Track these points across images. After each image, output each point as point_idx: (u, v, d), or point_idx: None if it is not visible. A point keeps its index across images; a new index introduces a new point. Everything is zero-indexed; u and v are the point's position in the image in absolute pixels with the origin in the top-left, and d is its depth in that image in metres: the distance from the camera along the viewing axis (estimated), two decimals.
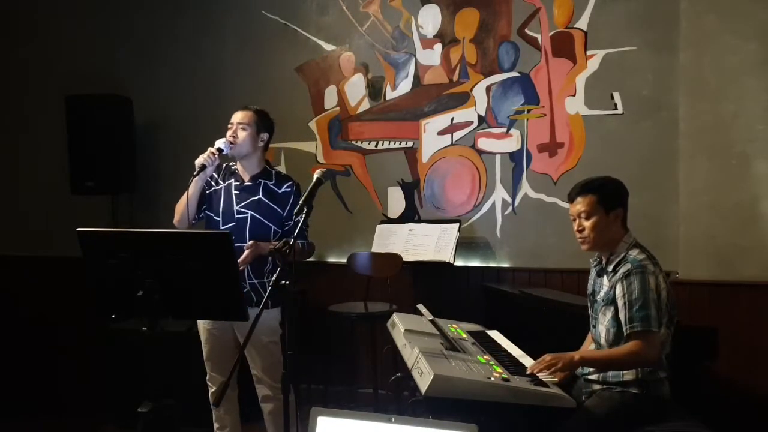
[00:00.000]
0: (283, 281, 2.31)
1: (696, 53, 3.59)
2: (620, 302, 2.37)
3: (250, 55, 4.55)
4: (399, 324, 2.67)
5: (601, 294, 2.52)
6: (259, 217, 2.97)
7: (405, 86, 4.29)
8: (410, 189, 4.31)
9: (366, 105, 4.37)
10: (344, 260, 4.03)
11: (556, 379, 2.25)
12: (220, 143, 2.96)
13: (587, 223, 2.47)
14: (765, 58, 3.47)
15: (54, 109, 4.56)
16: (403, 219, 4.25)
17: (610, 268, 2.48)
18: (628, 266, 2.38)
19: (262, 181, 3.03)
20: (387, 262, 3.87)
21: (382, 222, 4.23)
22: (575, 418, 2.24)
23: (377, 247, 4.06)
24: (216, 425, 3.12)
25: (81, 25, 4.84)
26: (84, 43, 4.82)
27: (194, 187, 2.96)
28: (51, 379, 4.65)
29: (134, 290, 2.20)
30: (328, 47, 4.42)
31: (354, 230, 4.36)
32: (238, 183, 3.04)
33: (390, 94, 4.32)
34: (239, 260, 2.83)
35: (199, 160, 2.90)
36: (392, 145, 4.34)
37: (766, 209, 3.49)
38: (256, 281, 2.98)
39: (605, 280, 2.51)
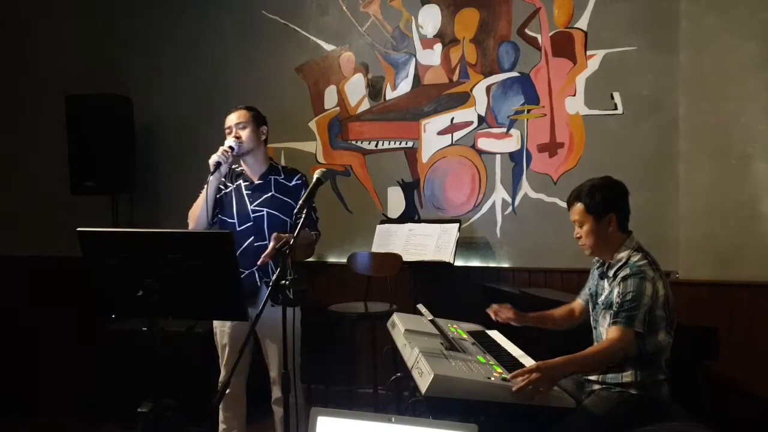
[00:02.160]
0: (283, 281, 2.32)
1: (696, 53, 3.60)
2: (615, 301, 2.38)
3: (250, 55, 4.55)
4: (399, 324, 2.67)
5: (602, 297, 2.52)
6: (274, 212, 3.01)
7: (405, 86, 4.29)
8: (410, 189, 4.31)
9: (366, 105, 4.37)
10: (344, 260, 4.03)
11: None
12: (230, 142, 2.99)
13: (581, 231, 2.51)
14: (765, 58, 3.47)
15: (54, 109, 4.56)
16: (403, 219, 4.25)
17: (611, 273, 2.48)
18: (628, 270, 2.39)
19: (272, 177, 3.07)
20: (387, 262, 3.87)
21: (382, 222, 4.23)
22: (575, 418, 2.24)
23: (377, 247, 4.06)
24: (222, 426, 3.11)
25: (81, 25, 4.84)
26: (84, 43, 4.82)
27: (211, 186, 2.99)
28: (51, 378, 4.65)
29: (134, 290, 2.20)
30: (328, 47, 4.42)
31: (354, 230, 4.36)
32: (247, 183, 3.07)
33: (390, 94, 4.32)
34: (264, 254, 2.86)
35: (213, 159, 2.93)
36: (392, 145, 4.34)
37: (766, 209, 3.49)
38: None
39: (606, 283, 2.51)
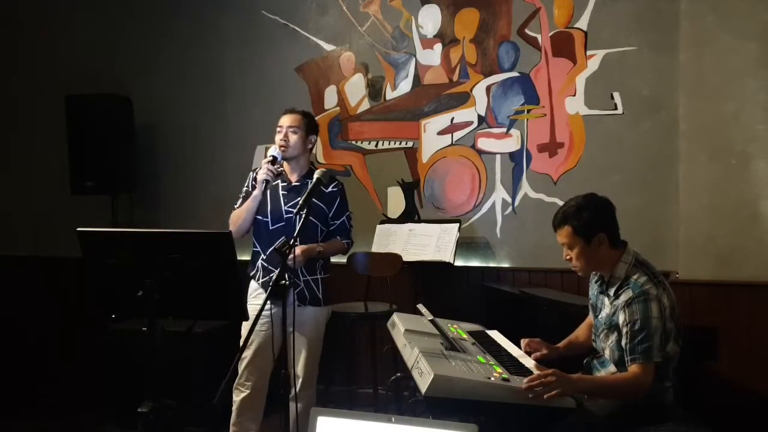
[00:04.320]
0: (283, 281, 2.32)
1: (696, 53, 3.59)
2: (623, 330, 2.32)
3: (250, 55, 4.55)
4: (399, 324, 2.67)
5: (603, 315, 2.47)
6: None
7: (405, 86, 4.29)
8: (410, 189, 4.31)
9: (366, 105, 4.37)
10: (344, 260, 4.02)
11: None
12: (272, 152, 3.03)
13: (572, 253, 2.43)
14: (765, 58, 3.47)
15: (54, 109, 4.56)
16: (403, 219, 4.25)
17: (611, 292, 2.41)
18: (630, 293, 2.31)
19: (309, 180, 3.06)
20: (387, 262, 3.87)
21: (382, 222, 4.23)
22: (576, 418, 2.23)
23: (377, 247, 4.06)
24: (233, 429, 3.08)
25: (81, 25, 4.84)
26: (84, 43, 4.82)
27: (254, 199, 3.04)
28: (51, 378, 4.65)
29: (134, 290, 2.20)
30: (328, 47, 4.42)
31: (354, 230, 4.35)
32: (285, 184, 3.10)
33: (390, 94, 4.32)
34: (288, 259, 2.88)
35: (261, 176, 2.99)
36: (392, 145, 4.33)
37: (766, 209, 3.48)
38: (309, 278, 3.02)
39: (607, 300, 2.46)
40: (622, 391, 2.30)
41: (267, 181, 2.99)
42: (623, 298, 2.34)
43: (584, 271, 2.45)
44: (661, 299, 2.31)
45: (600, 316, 2.50)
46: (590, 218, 2.37)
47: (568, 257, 2.46)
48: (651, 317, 2.27)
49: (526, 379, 2.14)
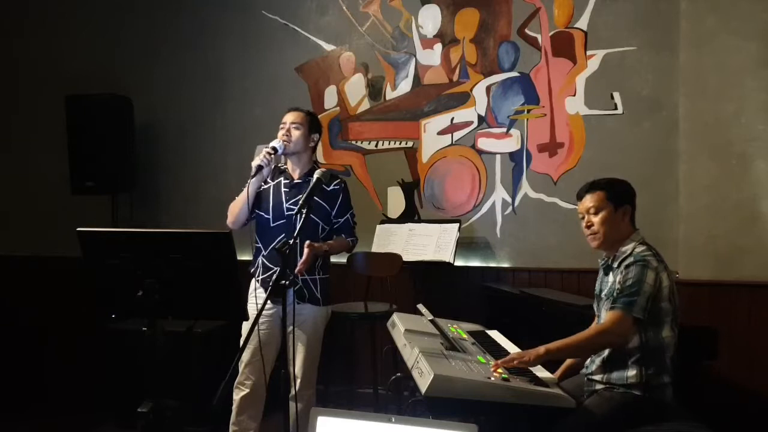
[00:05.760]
0: (283, 281, 2.32)
1: (696, 53, 3.60)
2: (615, 288, 2.40)
3: (250, 55, 4.55)
4: (399, 324, 2.67)
5: (606, 290, 2.52)
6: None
7: (405, 86, 4.29)
8: (410, 189, 4.31)
9: (366, 105, 4.37)
10: (344, 260, 4.02)
11: (555, 378, 2.24)
12: (274, 143, 3.01)
13: (596, 219, 2.49)
14: (765, 58, 3.47)
15: (54, 109, 4.56)
16: (403, 219, 4.25)
17: (615, 264, 2.49)
18: (631, 259, 2.41)
19: (311, 179, 3.05)
20: (387, 262, 3.87)
21: (382, 222, 4.23)
22: (575, 417, 2.24)
23: (377, 247, 4.06)
24: (233, 428, 3.08)
25: (81, 25, 4.84)
26: (84, 43, 4.82)
27: (251, 188, 3.01)
28: (51, 378, 4.65)
29: (134, 290, 2.20)
30: (328, 47, 4.42)
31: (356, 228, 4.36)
32: (287, 181, 3.09)
33: (390, 94, 4.32)
34: (300, 262, 2.87)
35: (255, 162, 2.96)
36: (392, 145, 4.34)
37: (766, 209, 3.49)
38: (308, 277, 3.01)
39: (611, 276, 2.52)
40: (590, 340, 2.38)
41: (260, 167, 2.94)
42: (624, 264, 2.43)
43: (602, 239, 2.50)
44: (660, 274, 2.38)
45: (603, 294, 2.54)
46: (623, 190, 2.54)
47: (589, 224, 2.51)
48: (644, 281, 2.35)
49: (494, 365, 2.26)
